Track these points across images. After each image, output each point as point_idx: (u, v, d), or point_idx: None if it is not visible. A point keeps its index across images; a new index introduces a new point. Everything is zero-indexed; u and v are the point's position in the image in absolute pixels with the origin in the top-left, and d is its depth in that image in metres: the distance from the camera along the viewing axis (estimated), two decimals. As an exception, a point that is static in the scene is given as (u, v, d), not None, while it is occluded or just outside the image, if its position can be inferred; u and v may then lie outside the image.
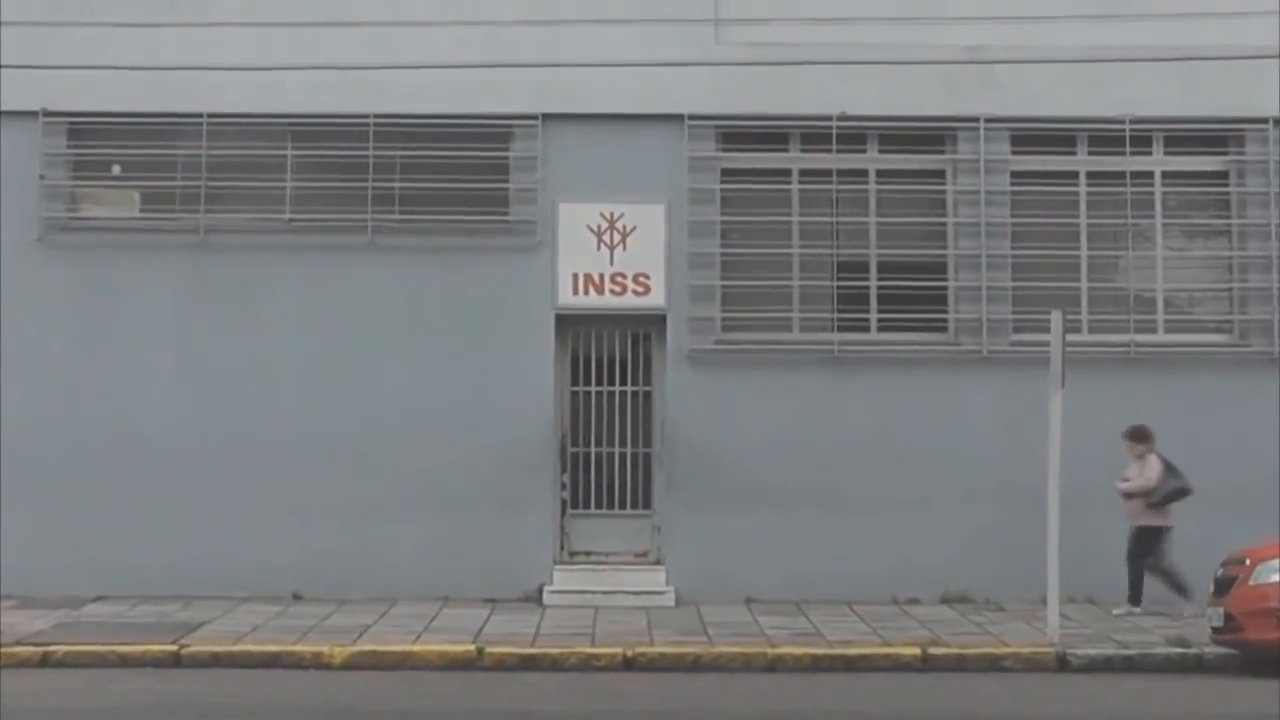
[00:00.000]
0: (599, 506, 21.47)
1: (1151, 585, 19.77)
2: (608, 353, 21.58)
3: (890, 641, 17.76)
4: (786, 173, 21.61)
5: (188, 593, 20.40)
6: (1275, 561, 16.64)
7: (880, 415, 21.03)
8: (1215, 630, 16.91)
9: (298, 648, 17.26)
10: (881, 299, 21.40)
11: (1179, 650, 17.29)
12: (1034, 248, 21.39)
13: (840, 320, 21.34)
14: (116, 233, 21.39)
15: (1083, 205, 21.55)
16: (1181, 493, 19.69)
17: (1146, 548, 19.72)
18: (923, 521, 20.73)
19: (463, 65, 20.59)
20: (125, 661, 16.87)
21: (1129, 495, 19.78)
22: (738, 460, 20.86)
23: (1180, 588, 19.49)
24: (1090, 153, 21.58)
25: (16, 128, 21.27)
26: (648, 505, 21.42)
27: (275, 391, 21.13)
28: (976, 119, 21.28)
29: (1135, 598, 19.71)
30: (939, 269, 21.51)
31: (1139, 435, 19.96)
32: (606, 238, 21.19)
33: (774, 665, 17.00)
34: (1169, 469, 19.72)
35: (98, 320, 21.17)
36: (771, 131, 21.51)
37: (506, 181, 21.45)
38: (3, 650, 16.97)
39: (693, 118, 21.25)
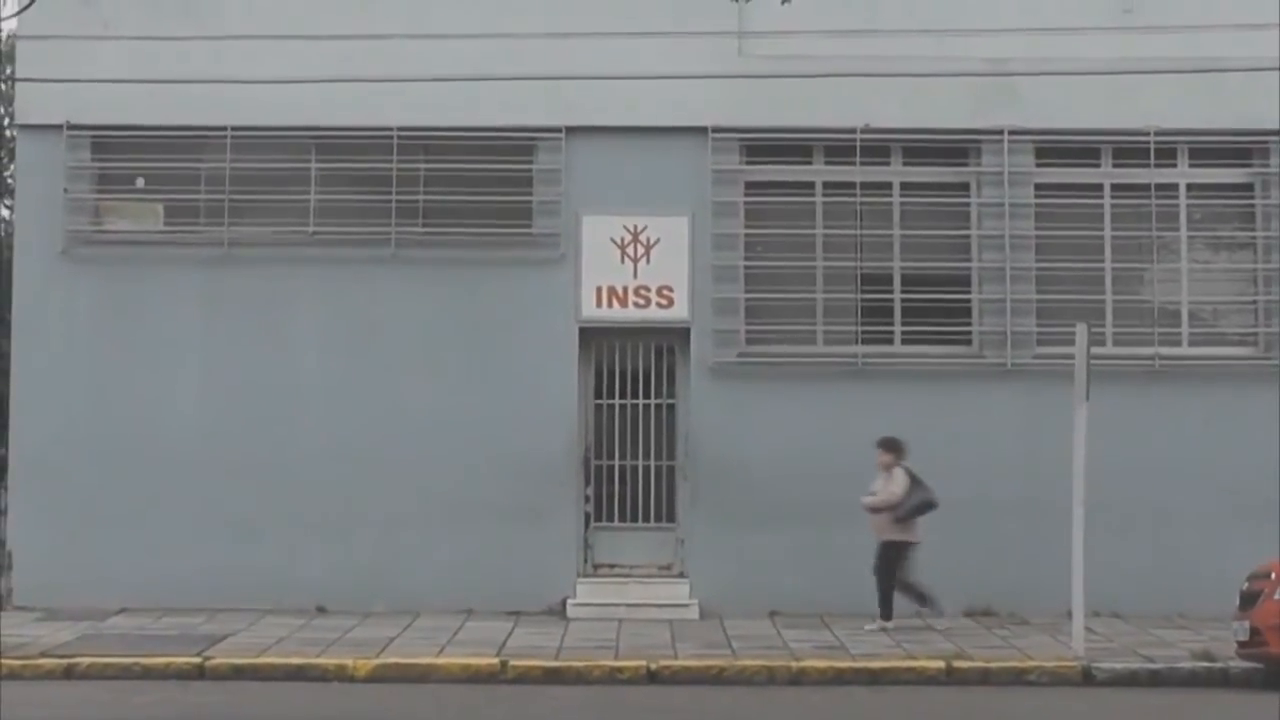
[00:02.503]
0: (622, 519, 21.46)
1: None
2: (631, 365, 21.57)
3: (914, 655, 17.72)
4: (810, 185, 21.60)
5: (211, 605, 20.41)
6: (1301, 575, 16.62)
7: (904, 428, 20.87)
8: (1241, 644, 16.84)
9: (321, 660, 17.25)
10: (905, 312, 21.38)
11: (1204, 664, 17.22)
12: (1058, 260, 21.35)
13: (864, 333, 21.32)
14: (140, 246, 21.44)
15: (1107, 218, 21.51)
16: (927, 506, 19.43)
17: (894, 562, 19.51)
18: (946, 534, 20.61)
19: (486, 78, 20.65)
20: (149, 673, 16.87)
21: (875, 510, 19.54)
22: (761, 473, 20.84)
23: (924, 598, 19.49)
24: (1115, 165, 21.54)
25: (41, 141, 21.37)
26: (671, 518, 21.40)
27: (299, 404, 21.16)
28: (1000, 131, 21.25)
29: (886, 613, 19.45)
30: (963, 282, 21.47)
31: (889, 446, 19.68)
32: (630, 250, 21.19)
33: (798, 678, 16.96)
34: (915, 482, 19.44)
35: (121, 333, 21.22)
36: (795, 144, 21.50)
37: (530, 194, 21.47)
38: (28, 662, 17.00)
39: (716, 130, 21.26)
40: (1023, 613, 20.29)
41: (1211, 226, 21.83)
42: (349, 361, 21.20)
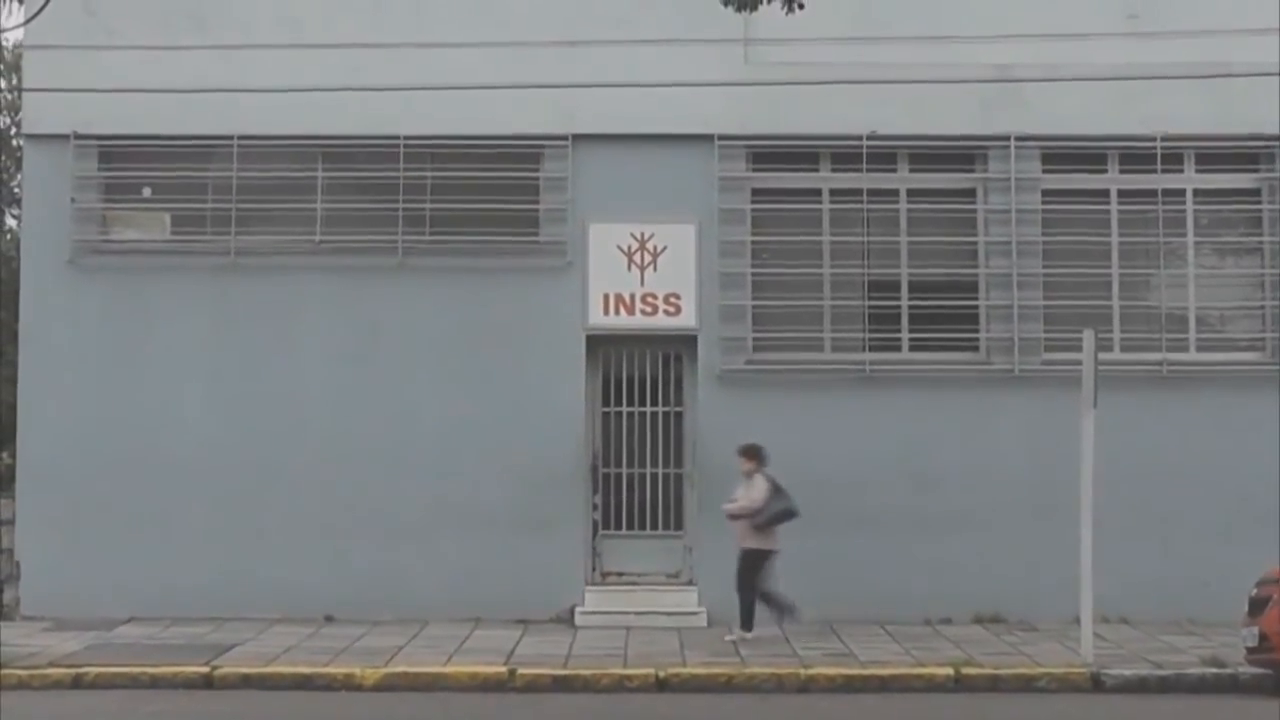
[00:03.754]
0: (630, 527, 21.44)
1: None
2: (639, 373, 21.56)
3: (923, 662, 17.70)
4: (817, 192, 21.58)
5: (219, 614, 20.41)
6: (1310, 581, 16.60)
7: (912, 435, 20.98)
8: (1250, 650, 16.81)
9: (329, 669, 17.24)
10: (913, 318, 21.36)
11: (1213, 670, 17.20)
12: (1065, 266, 21.33)
13: (871, 340, 21.30)
14: (147, 255, 21.45)
15: (1114, 223, 21.48)
16: (787, 515, 19.24)
17: (754, 570, 19.32)
18: (955, 541, 20.67)
19: (493, 86, 20.64)
20: (157, 683, 16.88)
21: (735, 516, 19.38)
22: (769, 480, 20.81)
23: (783, 608, 19.25)
24: (1121, 171, 21.52)
25: (48, 151, 21.39)
26: (679, 526, 21.39)
27: (306, 413, 21.15)
28: (1007, 137, 21.24)
29: (747, 623, 19.23)
30: (970, 288, 21.45)
31: (749, 454, 19.54)
32: (637, 258, 21.18)
33: (807, 686, 16.94)
34: (776, 490, 19.27)
35: (129, 342, 21.21)
36: (802, 151, 21.49)
37: (537, 202, 21.46)
38: (36, 672, 17.01)
39: (723, 138, 21.25)
40: (1031, 619, 20.26)
41: (1218, 232, 21.81)
42: (355, 370, 21.19)
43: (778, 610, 19.32)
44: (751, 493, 19.32)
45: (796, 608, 19.28)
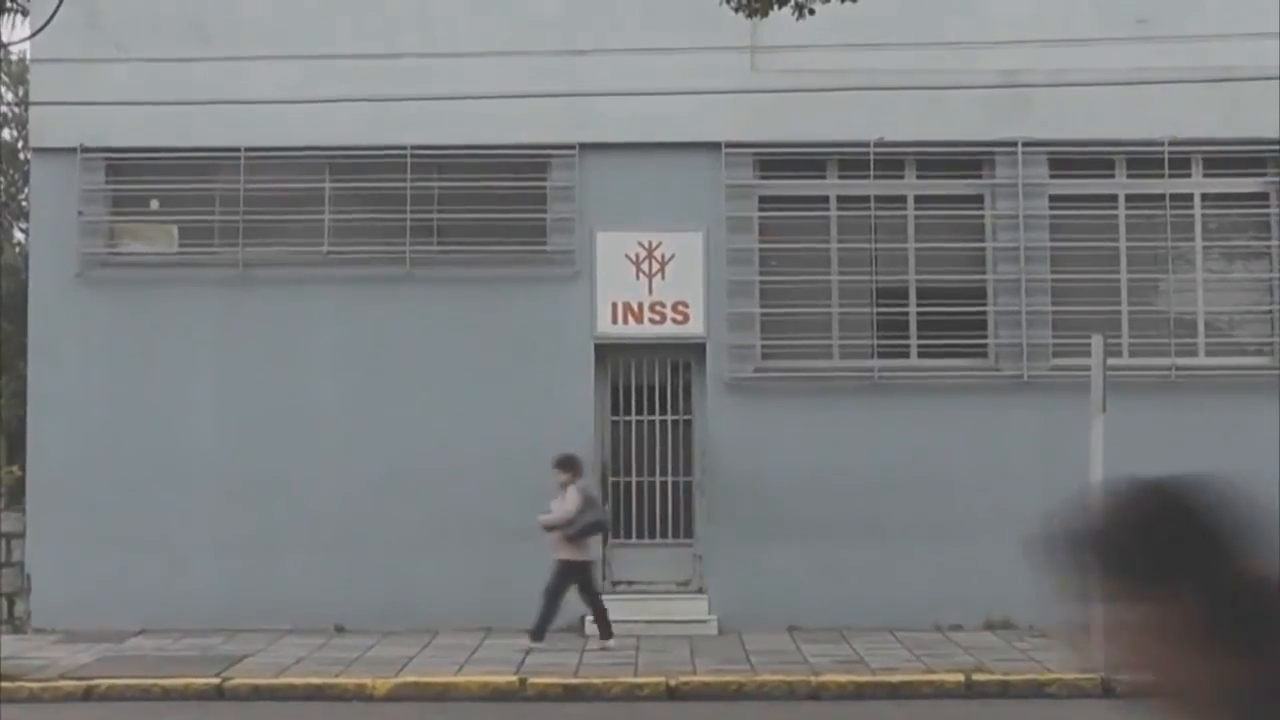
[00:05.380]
0: (640, 536, 21.42)
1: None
2: (647, 381, 21.56)
3: (933, 668, 17.71)
4: (824, 199, 21.57)
5: (230, 626, 20.42)
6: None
7: (921, 441, 20.96)
8: (1261, 655, 16.76)
9: (340, 680, 17.25)
10: (921, 325, 21.34)
11: (1225, 675, 17.16)
12: (1073, 272, 21.31)
13: (880, 347, 21.29)
14: (155, 267, 21.47)
15: (1122, 228, 21.47)
16: (597, 527, 19.38)
17: (566, 582, 19.27)
18: (965, 547, 20.64)
19: (500, 96, 20.64)
20: (168, 695, 16.90)
21: (548, 528, 19.33)
22: (778, 488, 20.80)
23: (603, 625, 19.24)
24: (1129, 176, 21.50)
25: (55, 164, 21.40)
26: (689, 534, 21.37)
27: (315, 424, 21.16)
28: (1014, 143, 21.22)
29: (538, 633, 19.20)
30: (978, 294, 21.44)
31: (564, 465, 19.48)
32: (645, 266, 21.18)
33: (817, 693, 16.95)
34: (588, 502, 19.28)
35: (137, 355, 21.23)
36: (809, 158, 21.48)
37: (544, 211, 21.46)
38: (46, 684, 17.02)
39: (730, 145, 21.25)
40: (1042, 625, 20.24)
41: (1227, 236, 21.79)
42: (364, 381, 21.20)
43: (600, 624, 19.31)
44: (564, 504, 19.29)
45: (611, 629, 19.28)
